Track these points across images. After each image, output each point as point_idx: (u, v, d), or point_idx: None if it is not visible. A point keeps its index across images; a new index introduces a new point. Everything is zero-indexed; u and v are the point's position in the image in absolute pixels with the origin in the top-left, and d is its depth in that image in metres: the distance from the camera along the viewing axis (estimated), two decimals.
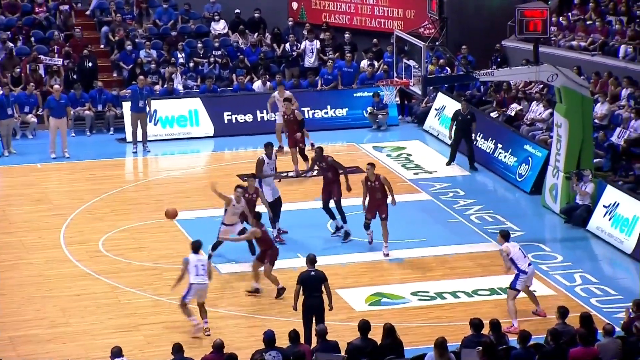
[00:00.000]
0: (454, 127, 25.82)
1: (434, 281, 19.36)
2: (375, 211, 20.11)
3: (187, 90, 29.81)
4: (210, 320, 17.69)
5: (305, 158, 24.59)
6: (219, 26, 32.10)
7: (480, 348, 13.71)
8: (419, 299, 18.68)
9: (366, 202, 20.20)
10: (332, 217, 21.24)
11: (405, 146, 27.57)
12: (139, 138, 27.33)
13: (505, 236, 17.88)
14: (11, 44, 30.17)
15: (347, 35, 31.45)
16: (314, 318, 16.22)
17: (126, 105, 27.98)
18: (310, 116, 28.66)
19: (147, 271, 19.52)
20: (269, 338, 14.26)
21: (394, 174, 25.36)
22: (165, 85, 29.55)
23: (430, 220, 22.41)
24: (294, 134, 24.58)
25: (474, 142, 25.84)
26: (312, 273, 16.51)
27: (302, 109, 27.63)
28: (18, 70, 29.26)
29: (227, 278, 19.37)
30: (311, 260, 16.67)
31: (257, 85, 29.84)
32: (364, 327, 14.49)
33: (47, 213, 22.70)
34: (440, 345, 13.60)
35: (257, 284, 18.72)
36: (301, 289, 16.35)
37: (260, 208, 19.93)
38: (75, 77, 29.56)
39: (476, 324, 14.54)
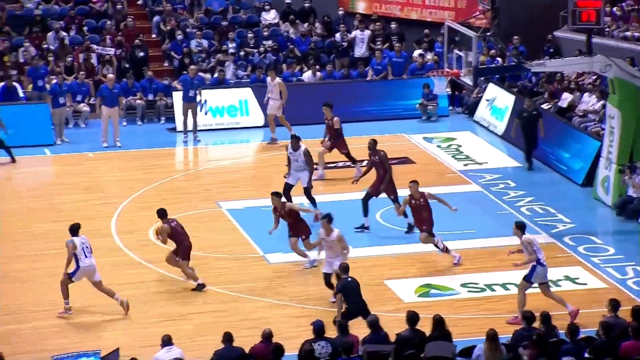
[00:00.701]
0: (519, 124, 25.28)
1: (483, 273, 19.24)
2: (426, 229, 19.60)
3: (237, 80, 29.88)
4: (259, 309, 17.76)
5: (354, 161, 24.24)
6: (270, 16, 32.14)
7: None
8: (469, 291, 18.59)
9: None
10: (366, 213, 21.10)
11: (455, 137, 27.44)
12: (190, 127, 27.46)
13: (521, 227, 17.54)
14: (64, 34, 30.41)
15: (393, 25, 31.36)
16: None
17: (177, 95, 28.11)
18: (360, 107, 28.66)
19: (196, 260, 19.56)
20: (319, 328, 14.26)
21: (443, 165, 25.27)
22: (215, 75, 29.65)
23: (479, 211, 22.28)
24: (331, 140, 24.05)
25: (538, 140, 24.98)
26: (349, 279, 16.47)
27: (351, 99, 27.63)
28: (70, 59, 29.49)
29: (275, 268, 19.39)
30: (345, 269, 16.58)
31: (307, 75, 29.84)
32: (412, 318, 14.44)
33: (99, 202, 22.87)
34: (492, 337, 13.52)
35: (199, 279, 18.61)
36: (342, 297, 16.21)
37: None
38: (127, 66, 29.76)
39: (528, 317, 14.42)
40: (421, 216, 19.51)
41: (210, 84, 29.16)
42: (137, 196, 23.20)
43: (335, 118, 24.10)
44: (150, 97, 29.18)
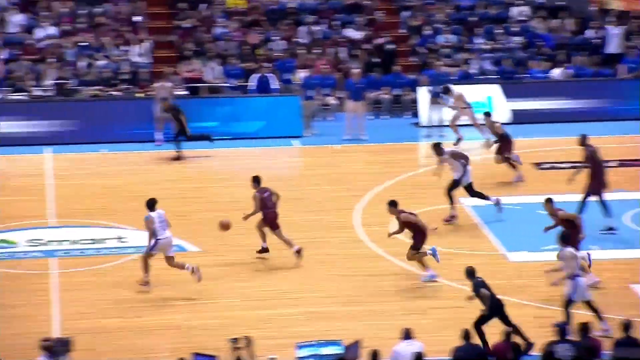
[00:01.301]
0: None
1: None
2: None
3: (484, 76, 29.72)
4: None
5: (513, 166, 23.70)
6: (520, 11, 31.77)
7: None
8: None
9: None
10: (607, 213, 20.47)
11: None
12: (434, 123, 27.54)
13: None
14: (316, 27, 31.08)
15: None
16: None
17: (422, 90, 28.24)
18: (611, 105, 27.96)
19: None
20: (562, 330, 14.05)
21: None
22: (462, 71, 29.60)
23: None
24: (502, 147, 23.70)
25: None
26: (480, 280, 16.14)
27: (601, 97, 26.94)
28: (319, 53, 30.11)
29: (516, 266, 19.19)
30: (471, 272, 16.22)
31: (557, 72, 29.34)
32: None
33: (344, 194, 23.26)
34: None
35: (265, 243, 19.43)
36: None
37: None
38: (374, 60, 30.14)
39: None
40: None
41: (456, 80, 29.14)
42: (381, 190, 23.47)
43: (497, 124, 23.80)
44: (397, 91, 29.45)
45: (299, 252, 19.30)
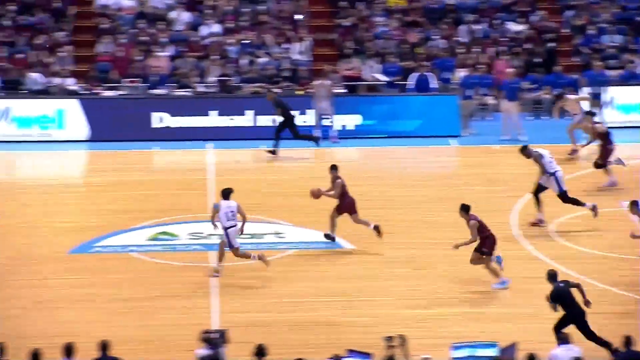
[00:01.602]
0: None
1: None
2: None
3: None
4: None
5: (602, 166, 23.11)
6: None
7: None
8: None
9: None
10: None
11: None
12: None
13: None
14: (476, 27, 30.86)
15: None
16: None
17: (583, 91, 27.79)
18: None
19: (597, 260, 19.29)
20: None
21: None
22: (627, 71, 28.99)
23: None
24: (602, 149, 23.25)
25: None
26: (561, 285, 15.65)
27: None
28: (479, 52, 29.91)
29: None
30: (553, 276, 15.73)
31: None
32: None
33: (501, 194, 23.06)
34: None
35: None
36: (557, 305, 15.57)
37: None
38: (536, 60, 29.78)
39: None
40: None
41: (619, 81, 28.56)
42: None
43: (597, 125, 23.39)
44: (558, 91, 29.00)
45: (377, 228, 19.78)
